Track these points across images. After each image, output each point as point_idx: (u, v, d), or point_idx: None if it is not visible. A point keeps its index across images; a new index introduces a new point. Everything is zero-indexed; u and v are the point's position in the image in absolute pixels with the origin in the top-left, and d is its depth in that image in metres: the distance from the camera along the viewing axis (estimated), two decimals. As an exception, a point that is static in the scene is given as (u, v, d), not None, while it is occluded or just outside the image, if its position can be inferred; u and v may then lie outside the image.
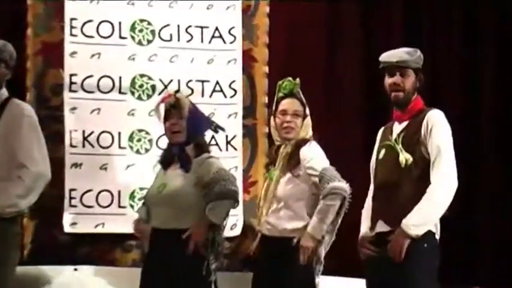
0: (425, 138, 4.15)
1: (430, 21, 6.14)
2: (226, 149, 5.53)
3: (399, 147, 4.19)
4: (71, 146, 5.35)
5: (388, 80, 4.30)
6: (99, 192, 5.36)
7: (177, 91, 4.79)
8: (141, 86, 5.48)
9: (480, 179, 5.98)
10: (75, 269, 5.28)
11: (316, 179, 4.36)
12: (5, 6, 5.40)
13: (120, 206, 5.36)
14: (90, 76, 5.40)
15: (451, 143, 4.15)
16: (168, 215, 4.40)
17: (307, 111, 4.61)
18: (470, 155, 5.75)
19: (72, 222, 5.33)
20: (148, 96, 5.48)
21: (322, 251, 4.40)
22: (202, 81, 5.56)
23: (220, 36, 5.59)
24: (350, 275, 5.22)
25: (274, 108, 4.66)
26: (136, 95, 5.48)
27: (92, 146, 5.39)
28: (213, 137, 5.18)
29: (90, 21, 5.43)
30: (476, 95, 6.10)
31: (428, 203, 4.04)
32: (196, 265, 4.33)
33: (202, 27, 5.57)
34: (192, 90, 5.51)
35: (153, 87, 5.49)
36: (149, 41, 5.51)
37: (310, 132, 4.59)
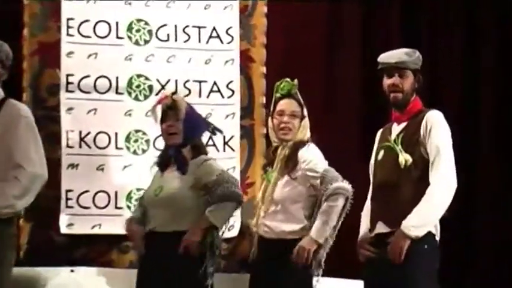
0: (424, 138, 4.15)
1: (429, 21, 6.15)
2: (224, 150, 5.51)
3: (398, 148, 4.19)
4: (68, 146, 5.33)
5: (386, 81, 4.29)
6: (96, 193, 5.34)
7: (174, 92, 4.77)
8: (138, 86, 5.46)
9: (479, 179, 5.99)
10: (72, 270, 5.27)
11: (317, 181, 4.37)
12: (1, 6, 5.37)
13: (116, 207, 5.34)
14: (87, 76, 5.38)
15: (450, 144, 4.16)
16: (165, 218, 4.40)
17: (305, 112, 4.61)
18: (470, 156, 5.74)
19: (69, 223, 5.30)
20: (146, 97, 5.46)
21: (324, 255, 4.40)
22: (200, 82, 5.54)
23: (218, 37, 5.57)
24: (349, 277, 5.20)
25: (271, 109, 4.66)
26: (133, 95, 5.45)
27: (89, 146, 5.36)
28: (210, 137, 5.18)
29: (87, 21, 5.41)
30: (476, 95, 6.11)
31: (427, 204, 4.03)
32: (193, 268, 4.33)
33: (199, 27, 5.55)
34: (190, 90, 5.50)
35: (150, 88, 5.47)
36: (146, 41, 5.50)
37: (308, 134, 4.59)
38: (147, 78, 5.48)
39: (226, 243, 5.26)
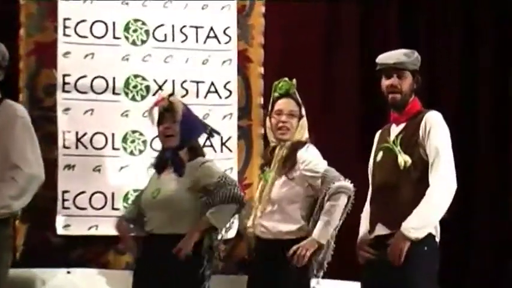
0: (423, 139, 4.14)
1: (427, 21, 6.14)
2: (221, 151, 5.49)
3: (398, 149, 4.17)
4: (64, 147, 5.31)
5: (385, 82, 4.28)
6: (93, 194, 5.32)
7: (171, 94, 4.75)
8: (135, 86, 5.45)
9: (477, 179, 5.98)
10: (68, 272, 5.25)
11: (318, 181, 4.35)
12: (-2, 6, 5.37)
13: (113, 208, 5.31)
14: (84, 76, 5.37)
15: (449, 145, 4.14)
16: (162, 220, 4.39)
17: (303, 111, 4.61)
18: (467, 156, 5.73)
19: (65, 224, 5.29)
20: (143, 97, 5.44)
21: (328, 256, 4.39)
22: (197, 82, 5.52)
23: (215, 37, 5.55)
24: (348, 278, 5.18)
25: (269, 108, 4.65)
26: (130, 95, 5.44)
27: (85, 147, 5.35)
28: (208, 138, 5.15)
29: (83, 21, 5.39)
30: (474, 95, 6.10)
31: (427, 206, 4.02)
32: (190, 271, 4.32)
33: (197, 28, 5.54)
34: (187, 90, 5.49)
35: (147, 88, 5.46)
36: (143, 41, 5.48)
37: (306, 135, 4.59)
38: (144, 79, 5.46)
39: (224, 245, 5.20)
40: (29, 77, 5.31)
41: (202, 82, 5.52)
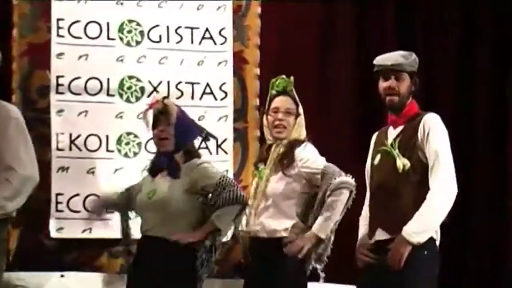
0: (422, 142, 4.10)
1: (424, 22, 6.14)
2: (217, 153, 5.47)
3: (396, 152, 4.14)
4: (58, 149, 5.29)
5: (382, 84, 4.24)
6: (87, 197, 5.28)
7: (165, 97, 4.73)
8: (129, 88, 5.42)
9: (475, 179, 5.97)
10: (62, 275, 5.23)
11: (318, 177, 4.33)
12: (-10, 6, 5.34)
13: (107, 211, 5.26)
14: (78, 78, 5.34)
15: (448, 147, 4.11)
16: (157, 222, 4.37)
17: (300, 110, 4.59)
18: (465, 156, 5.70)
19: (59, 227, 5.27)
20: (137, 99, 5.42)
21: (328, 250, 4.36)
22: (192, 83, 5.50)
23: (211, 38, 5.53)
24: (346, 282, 5.16)
25: (266, 106, 4.62)
26: (125, 97, 5.41)
27: (79, 149, 5.33)
28: (203, 140, 5.10)
29: (77, 21, 5.37)
30: (471, 95, 6.10)
31: (428, 210, 3.99)
32: (184, 273, 4.30)
33: (192, 28, 5.51)
34: (182, 92, 5.47)
35: (142, 89, 5.43)
36: (138, 42, 5.45)
37: (304, 133, 4.57)
38: (138, 80, 5.43)
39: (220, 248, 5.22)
40: (22, 78, 5.29)
41: (198, 83, 5.50)
